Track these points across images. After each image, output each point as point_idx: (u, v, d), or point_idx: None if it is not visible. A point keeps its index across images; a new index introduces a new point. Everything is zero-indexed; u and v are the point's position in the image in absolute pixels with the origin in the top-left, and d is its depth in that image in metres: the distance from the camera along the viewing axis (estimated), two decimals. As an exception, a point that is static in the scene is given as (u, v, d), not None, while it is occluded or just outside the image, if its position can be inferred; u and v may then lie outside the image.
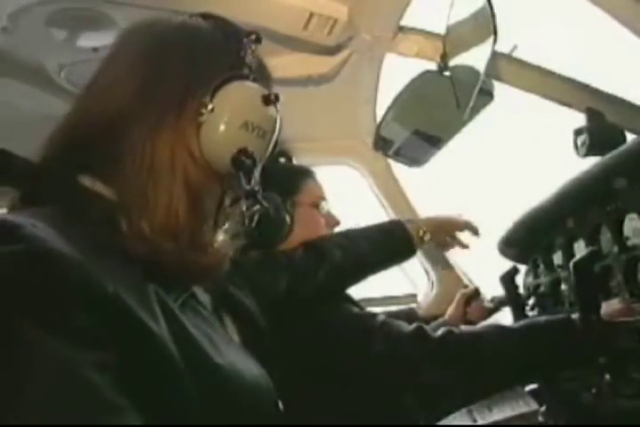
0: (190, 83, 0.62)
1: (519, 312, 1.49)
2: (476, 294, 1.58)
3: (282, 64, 1.38)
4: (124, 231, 0.56)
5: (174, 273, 0.58)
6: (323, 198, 1.25)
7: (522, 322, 1.10)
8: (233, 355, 0.61)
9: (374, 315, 1.10)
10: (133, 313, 0.50)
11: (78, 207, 0.56)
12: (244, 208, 0.67)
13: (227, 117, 0.61)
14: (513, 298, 1.49)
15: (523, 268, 1.67)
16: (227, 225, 0.67)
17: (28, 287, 0.44)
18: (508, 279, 1.49)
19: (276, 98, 0.64)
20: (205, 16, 0.69)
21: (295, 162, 1.30)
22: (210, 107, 0.61)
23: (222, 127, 0.61)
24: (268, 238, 1.13)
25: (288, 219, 1.15)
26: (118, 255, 0.54)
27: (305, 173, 1.26)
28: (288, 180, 1.21)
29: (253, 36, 0.67)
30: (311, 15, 1.32)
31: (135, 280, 0.53)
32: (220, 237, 0.66)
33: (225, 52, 0.65)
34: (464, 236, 1.39)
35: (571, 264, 1.01)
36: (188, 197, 0.59)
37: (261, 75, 0.68)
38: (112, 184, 0.59)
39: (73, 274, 0.46)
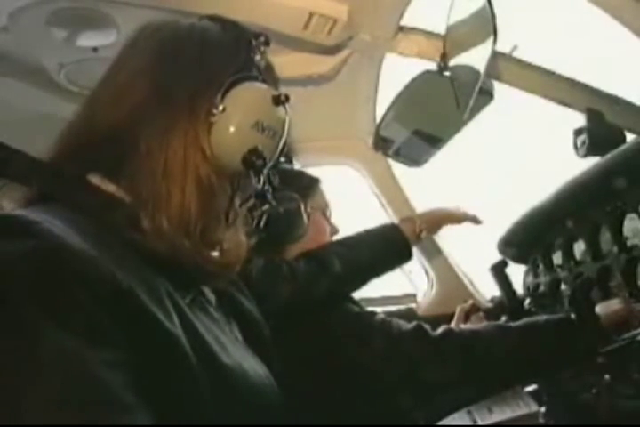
0: (201, 84, 0.62)
1: (514, 302, 1.53)
2: (474, 308, 1.58)
3: (282, 64, 1.36)
4: (143, 228, 0.57)
5: (188, 270, 0.59)
6: (328, 206, 1.28)
7: (522, 321, 1.11)
8: (239, 354, 0.61)
9: (374, 313, 1.10)
10: (147, 309, 0.50)
11: (89, 205, 0.57)
12: (254, 207, 0.68)
13: (238, 118, 0.62)
14: (505, 287, 1.53)
15: (522, 268, 1.68)
16: (238, 224, 0.67)
17: (42, 282, 0.44)
18: (499, 270, 1.54)
19: (287, 98, 0.65)
20: (213, 18, 0.69)
21: (295, 162, 1.31)
22: (221, 107, 0.61)
23: (233, 127, 0.61)
24: (285, 237, 1.16)
25: (306, 219, 1.16)
26: (130, 252, 0.54)
27: (316, 180, 1.29)
28: (304, 184, 1.24)
29: (262, 38, 0.67)
30: (311, 15, 1.31)
31: (147, 277, 0.53)
32: (233, 236, 0.67)
33: (234, 54, 0.66)
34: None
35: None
36: (199, 195, 0.59)
37: (270, 76, 0.69)
38: (123, 183, 0.60)
39: (87, 269, 0.47)
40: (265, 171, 0.63)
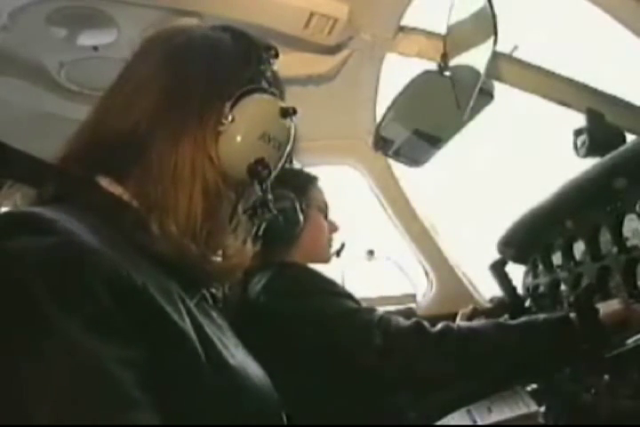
0: (212, 93, 0.63)
1: (515, 299, 1.54)
2: (476, 312, 1.57)
3: (282, 63, 1.37)
4: (152, 232, 0.57)
5: (194, 273, 0.60)
6: (327, 204, 1.29)
7: (520, 319, 1.11)
8: (241, 357, 0.63)
9: (372, 310, 1.10)
10: (162, 308, 0.51)
11: (99, 207, 0.58)
12: (256, 215, 0.69)
13: (246, 128, 0.63)
14: (505, 285, 1.54)
15: (522, 268, 1.67)
16: (242, 230, 0.69)
17: (61, 279, 0.45)
18: (498, 268, 1.57)
19: (294, 111, 0.66)
20: (225, 28, 0.71)
21: (295, 162, 1.31)
22: (230, 117, 0.63)
23: (241, 137, 0.63)
24: (280, 236, 1.16)
25: (301, 217, 1.17)
26: (142, 253, 0.55)
27: (314, 178, 1.29)
28: (300, 182, 1.25)
29: (272, 51, 0.70)
30: (311, 15, 1.31)
31: (160, 277, 0.55)
32: (236, 242, 0.68)
33: (245, 65, 0.67)
34: None
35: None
36: (205, 201, 0.60)
37: (276, 87, 0.70)
38: (131, 186, 0.61)
39: (105, 268, 0.48)
40: (269, 180, 0.65)
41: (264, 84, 0.67)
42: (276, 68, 0.70)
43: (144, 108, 0.62)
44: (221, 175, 0.62)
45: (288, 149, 0.67)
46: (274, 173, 0.66)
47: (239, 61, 0.67)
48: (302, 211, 1.18)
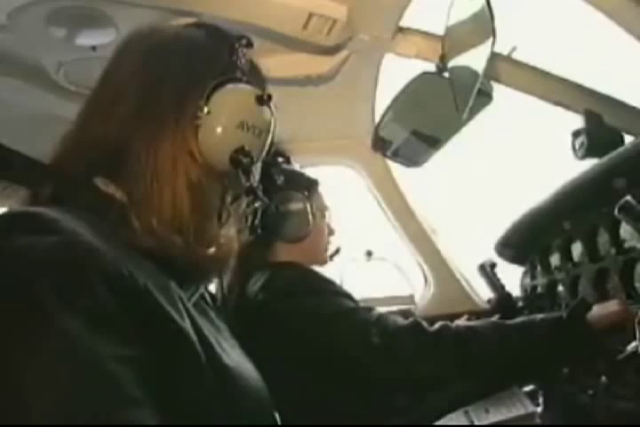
0: (186, 89, 0.64)
1: (504, 298, 1.55)
2: (469, 320, 1.57)
3: (281, 64, 1.37)
4: (134, 227, 0.58)
5: (183, 267, 0.61)
6: (327, 208, 1.30)
7: (518, 319, 1.11)
8: (237, 358, 0.63)
9: (370, 309, 1.11)
10: (162, 307, 0.52)
11: (98, 208, 0.58)
12: (245, 205, 0.70)
13: (222, 119, 0.63)
14: (494, 286, 1.55)
15: (520, 269, 1.68)
16: (230, 221, 0.69)
17: (63, 278, 0.46)
18: (487, 268, 1.61)
19: (269, 98, 0.66)
20: (199, 25, 0.72)
21: (293, 162, 1.31)
22: (206, 110, 0.63)
23: (219, 128, 0.63)
24: (287, 236, 1.19)
25: (312, 220, 1.20)
26: (140, 254, 0.56)
27: (316, 182, 1.30)
28: (305, 184, 1.25)
29: (244, 41, 0.69)
30: (310, 15, 1.31)
31: (160, 277, 0.55)
32: (225, 232, 0.68)
33: (217, 58, 0.68)
34: None
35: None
36: (190, 195, 0.61)
37: (255, 77, 0.70)
38: (123, 187, 0.61)
39: (107, 267, 0.48)
40: (253, 168, 0.65)
41: (238, 75, 0.67)
42: (252, 57, 0.71)
43: (123, 112, 0.63)
44: (204, 169, 0.62)
45: (270, 135, 0.68)
46: (258, 161, 0.66)
47: (210, 55, 0.67)
48: (313, 212, 1.21)
